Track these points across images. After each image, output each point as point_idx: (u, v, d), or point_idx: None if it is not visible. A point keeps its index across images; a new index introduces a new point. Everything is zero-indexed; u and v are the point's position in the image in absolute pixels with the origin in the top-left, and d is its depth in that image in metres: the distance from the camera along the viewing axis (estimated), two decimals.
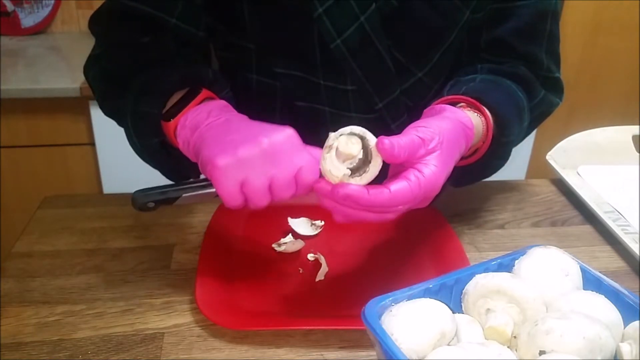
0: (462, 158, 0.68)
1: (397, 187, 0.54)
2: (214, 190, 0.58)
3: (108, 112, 0.76)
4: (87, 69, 0.77)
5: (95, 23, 0.77)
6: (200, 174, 0.69)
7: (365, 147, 0.54)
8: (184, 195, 0.61)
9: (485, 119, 0.69)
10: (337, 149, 0.53)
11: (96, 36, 0.77)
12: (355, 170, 0.54)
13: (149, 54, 0.72)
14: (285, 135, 0.57)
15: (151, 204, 0.60)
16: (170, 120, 0.64)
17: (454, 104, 0.70)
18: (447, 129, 0.60)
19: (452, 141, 0.60)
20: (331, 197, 0.54)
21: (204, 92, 0.67)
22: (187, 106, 0.65)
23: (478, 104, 0.69)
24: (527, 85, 0.78)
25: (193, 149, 0.62)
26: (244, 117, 0.64)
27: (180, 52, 0.73)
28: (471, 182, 0.78)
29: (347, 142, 0.53)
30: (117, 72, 0.72)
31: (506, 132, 0.70)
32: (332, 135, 0.54)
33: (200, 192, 0.61)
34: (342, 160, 0.54)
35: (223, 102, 0.67)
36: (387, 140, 0.54)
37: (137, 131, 0.68)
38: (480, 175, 0.76)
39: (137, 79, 0.68)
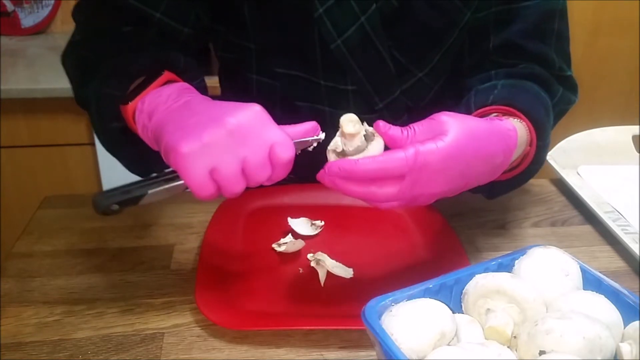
0: (511, 168, 0.67)
1: (392, 154, 0.53)
2: (182, 182, 0.53)
3: (81, 102, 0.73)
4: (65, 56, 0.75)
5: (79, 11, 0.75)
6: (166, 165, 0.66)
7: (366, 135, 0.56)
8: (149, 192, 0.54)
9: (526, 122, 0.66)
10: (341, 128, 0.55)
11: (77, 23, 0.75)
12: (353, 153, 0.55)
13: (126, 43, 0.70)
14: (252, 112, 0.53)
15: (115, 206, 0.53)
16: (127, 104, 0.61)
17: (485, 115, 0.68)
18: (476, 124, 0.57)
19: (477, 134, 0.56)
20: (328, 174, 0.54)
21: (166, 75, 0.62)
22: (145, 89, 0.61)
23: (512, 109, 0.67)
24: (546, 85, 0.76)
25: (152, 136, 0.58)
26: (206, 98, 0.59)
27: (162, 44, 0.71)
28: (507, 192, 0.75)
29: (347, 121, 0.55)
30: (92, 59, 0.69)
31: (543, 134, 0.68)
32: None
33: (166, 186, 0.55)
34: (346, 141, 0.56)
35: (185, 84, 0.63)
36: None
37: (99, 115, 0.65)
38: (519, 184, 0.73)
39: (107, 63, 0.66)
